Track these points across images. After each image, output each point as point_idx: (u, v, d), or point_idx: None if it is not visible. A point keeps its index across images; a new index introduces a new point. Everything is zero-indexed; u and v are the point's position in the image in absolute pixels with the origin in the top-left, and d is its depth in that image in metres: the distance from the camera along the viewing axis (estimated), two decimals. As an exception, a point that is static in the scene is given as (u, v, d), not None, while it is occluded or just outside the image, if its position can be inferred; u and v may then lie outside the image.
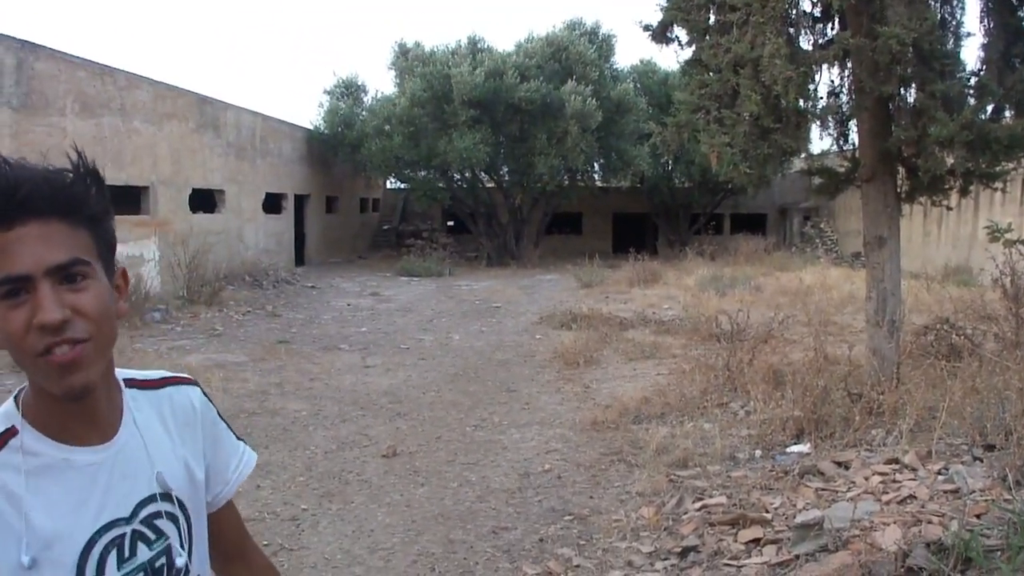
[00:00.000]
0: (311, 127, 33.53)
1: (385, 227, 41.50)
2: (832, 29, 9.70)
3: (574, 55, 31.20)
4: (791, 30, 9.13)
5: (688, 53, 10.02)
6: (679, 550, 5.99)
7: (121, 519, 1.63)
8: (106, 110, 18.61)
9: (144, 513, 1.67)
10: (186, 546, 1.74)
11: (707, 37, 9.51)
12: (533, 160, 30.63)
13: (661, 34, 10.03)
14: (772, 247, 30.63)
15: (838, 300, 17.99)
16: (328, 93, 35.19)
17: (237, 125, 25.92)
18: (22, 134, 15.85)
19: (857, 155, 9.93)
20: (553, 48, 31.51)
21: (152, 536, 1.67)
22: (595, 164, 34.74)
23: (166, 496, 1.71)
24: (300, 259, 31.49)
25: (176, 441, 1.80)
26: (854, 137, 10.06)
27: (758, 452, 8.16)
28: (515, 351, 14.71)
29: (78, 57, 17.81)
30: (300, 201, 31.91)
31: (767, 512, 6.33)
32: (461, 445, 9.21)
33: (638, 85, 34.67)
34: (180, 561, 1.71)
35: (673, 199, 36.77)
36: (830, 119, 9.87)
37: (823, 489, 6.68)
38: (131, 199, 20.17)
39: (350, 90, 35.25)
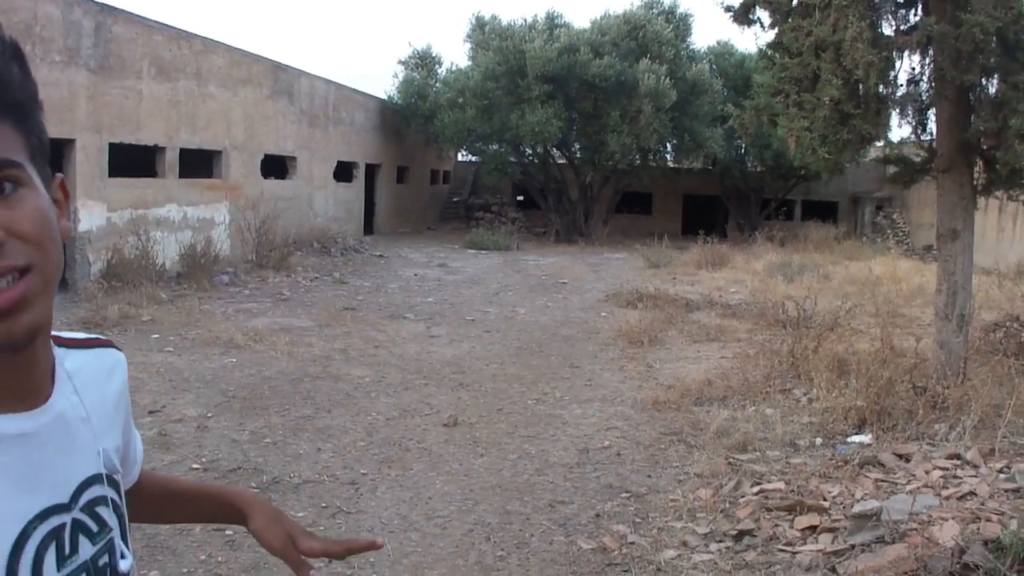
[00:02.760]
0: (384, 97, 33.63)
1: (455, 199, 41.57)
2: (915, 15, 9.57)
3: (650, 34, 30.96)
4: (873, 14, 9.02)
5: (769, 35, 9.96)
6: (734, 533, 6.00)
7: (60, 505, 1.26)
8: (181, 74, 18.82)
9: (85, 498, 1.32)
10: (129, 542, 1.42)
11: (789, 19, 9.44)
12: (605, 138, 30.48)
13: (743, 15, 9.95)
14: (842, 236, 30.30)
15: (907, 292, 17.79)
16: (403, 63, 35.34)
17: (311, 93, 26.10)
18: (98, 96, 16.08)
19: (934, 145, 9.81)
20: (629, 26, 31.29)
21: (95, 528, 1.32)
22: (667, 144, 34.57)
23: (110, 480, 1.38)
24: (369, 228, 31.66)
25: (112, 412, 1.47)
26: (932, 126, 9.93)
27: (819, 440, 8.13)
28: (580, 327, 14.72)
29: (155, 21, 18.03)
30: (371, 170, 32.07)
31: (824, 500, 6.32)
32: (522, 418, 9.26)
33: (714, 67, 34.37)
34: (125, 565, 1.39)
35: (745, 183, 36.44)
36: (909, 107, 9.75)
37: (882, 480, 6.66)
38: (204, 162, 20.41)
39: (425, 61, 35.31)
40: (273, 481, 7.13)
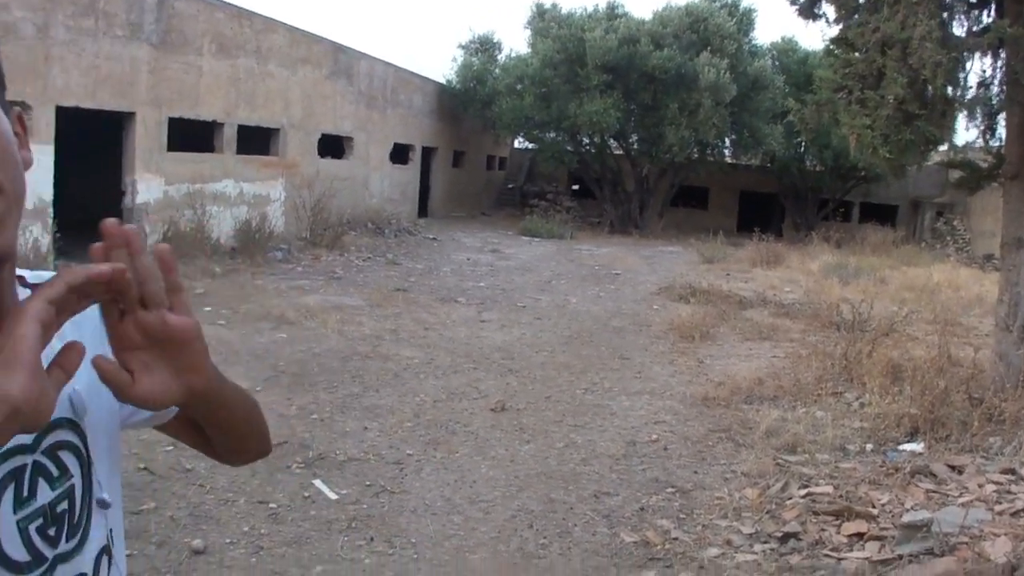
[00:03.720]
0: (443, 81, 33.63)
1: (510, 186, 41.53)
2: (988, 16, 9.40)
3: (712, 27, 30.66)
4: (944, 13, 8.87)
5: (835, 31, 9.82)
6: (780, 535, 5.93)
7: (22, 446, 1.21)
8: (242, 52, 18.91)
9: (48, 442, 1.25)
10: (88, 494, 1.32)
11: (856, 15, 9.30)
12: (663, 130, 30.30)
13: (808, 9, 9.83)
14: (901, 240, 29.93)
15: (966, 301, 17.54)
16: (462, 48, 35.29)
17: (370, 74, 26.15)
18: (159, 70, 16.20)
19: (1003, 151, 9.63)
20: (691, 18, 30.99)
21: (55, 472, 1.26)
22: (726, 139, 34.26)
23: (73, 424, 1.28)
24: (423, 211, 31.70)
25: (89, 352, 1.22)
26: (1002, 131, 9.75)
27: (869, 446, 8.02)
28: (631, 319, 14.65)
29: (217, -2, 18.15)
30: (427, 153, 32.10)
31: (873, 507, 6.23)
32: (570, 407, 9.22)
33: (776, 63, 34.05)
34: (103, 495, 1.32)
35: (803, 181, 36.10)
36: (978, 110, 9.58)
37: (934, 491, 6.56)
38: (261, 140, 20.50)
39: (484, 46, 35.29)
40: (319, 457, 7.15)
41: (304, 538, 5.68)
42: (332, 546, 5.61)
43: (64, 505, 1.26)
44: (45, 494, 1.23)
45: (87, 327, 1.29)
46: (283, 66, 20.75)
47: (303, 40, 21.82)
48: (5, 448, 1.09)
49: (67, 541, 1.27)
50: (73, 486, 1.28)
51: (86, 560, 1.30)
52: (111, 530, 1.37)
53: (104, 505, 1.33)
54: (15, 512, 1.18)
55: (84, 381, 1.27)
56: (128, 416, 1.43)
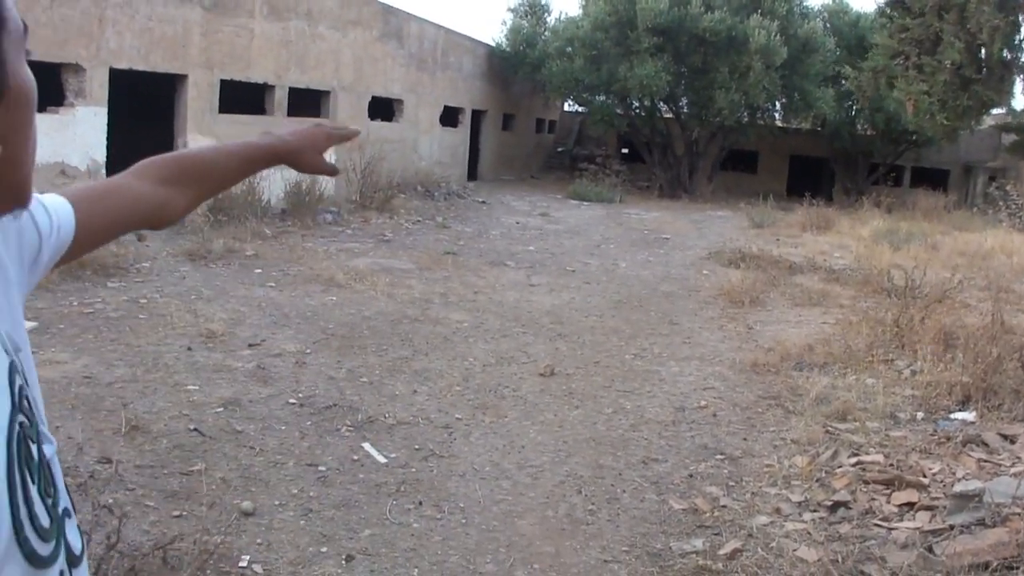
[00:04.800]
0: (493, 44, 33.53)
1: (559, 149, 41.42)
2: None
3: (762, -12, 30.41)
4: (1000, -24, 8.74)
5: (889, -6, 9.69)
6: (829, 503, 5.91)
7: (12, 410, 1.10)
8: (293, 14, 18.93)
9: (16, 393, 1.13)
10: (45, 425, 1.24)
11: (912, -22, 9.18)
12: (713, 94, 30.06)
13: (863, -28, 9.70)
14: (952, 205, 29.55)
15: (1019, 267, 17.31)
16: (512, 11, 35.22)
17: (420, 36, 26.10)
18: (211, 33, 16.26)
19: (1059, 115, 9.48)
20: (741, -21, 30.76)
21: (28, 423, 1.15)
22: (776, 103, 33.98)
23: (13, 365, 1.15)
24: (473, 174, 31.66)
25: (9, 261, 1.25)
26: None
27: (920, 414, 7.95)
28: (680, 284, 14.60)
29: (270, -40, 18.16)
30: (477, 116, 32.05)
31: (924, 477, 6.19)
32: (619, 372, 9.21)
33: (827, 25, 33.64)
34: (49, 449, 1.21)
35: (854, 146, 35.73)
36: (1035, 74, 9.44)
37: (985, 461, 6.50)
38: (312, 102, 20.55)
39: (534, 9, 35.18)
40: (368, 420, 7.19)
41: (353, 501, 5.73)
42: (380, 510, 5.65)
43: (38, 449, 1.17)
44: (34, 451, 1.15)
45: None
46: (334, 28, 20.77)
47: (354, 2, 21.80)
48: (7, 422, 1.07)
49: (53, 486, 1.20)
50: (37, 428, 1.19)
51: (60, 491, 1.23)
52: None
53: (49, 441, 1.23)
54: (34, 484, 1.12)
55: (14, 319, 1.23)
56: (46, 260, 1.38)
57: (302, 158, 1.93)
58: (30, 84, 1.05)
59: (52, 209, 1.41)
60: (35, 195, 1.35)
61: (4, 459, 1.04)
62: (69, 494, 1.27)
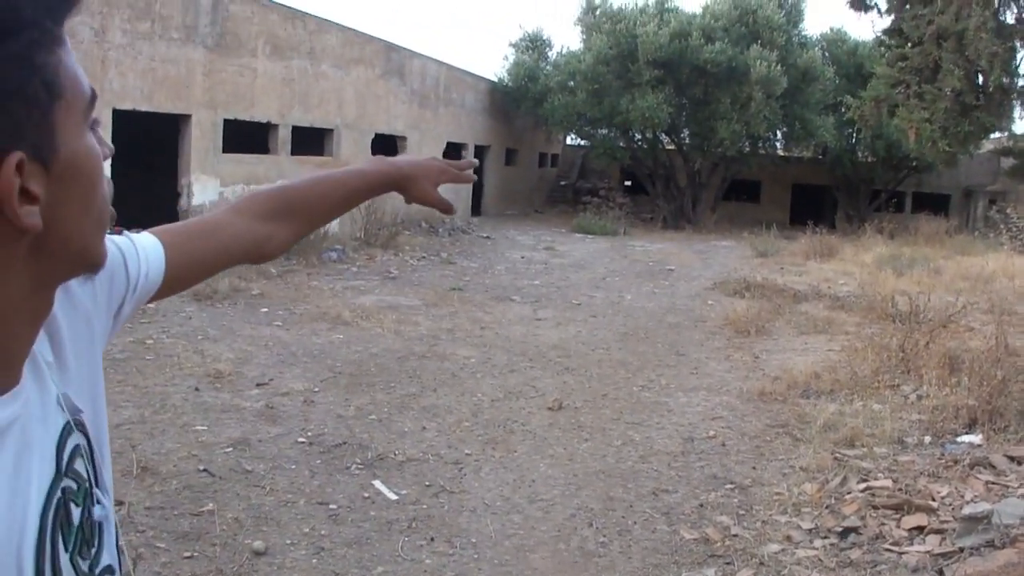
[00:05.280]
0: (495, 79, 33.71)
1: (562, 183, 41.54)
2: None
3: (761, 19, 30.54)
4: (997, 3, 8.81)
5: (886, 22, 9.79)
6: (840, 530, 5.91)
7: (55, 478, 1.09)
8: (296, 53, 19.09)
9: (66, 457, 1.13)
10: (104, 485, 1.23)
11: (908, 6, 9.25)
12: (715, 124, 30.24)
13: (859, 1, 9.79)
14: (954, 230, 29.60)
15: (1021, 290, 17.33)
16: (513, 46, 35.47)
17: (422, 73, 26.27)
18: (214, 72, 16.39)
19: (1058, 138, 9.55)
20: (740, 11, 30.89)
21: (75, 486, 1.13)
22: (777, 132, 34.16)
23: (78, 424, 1.17)
24: (476, 209, 31.76)
25: (64, 325, 1.21)
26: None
27: (927, 438, 7.96)
28: (686, 315, 14.62)
29: (270, 0, 18.29)
30: (480, 152, 32.14)
31: (933, 500, 6.19)
32: (627, 404, 9.23)
33: (826, 54, 33.84)
34: (99, 511, 1.19)
35: (855, 173, 35.86)
36: (1034, 98, 9.51)
37: (993, 483, 6.51)
38: (315, 140, 20.67)
39: (535, 44, 35.39)
40: (378, 457, 7.21)
41: (364, 539, 5.74)
42: (393, 547, 5.67)
43: (85, 514, 1.16)
44: (75, 515, 1.14)
45: (77, 293, 1.25)
46: (336, 66, 20.92)
47: (356, 40, 21.98)
48: (47, 488, 1.06)
49: (93, 547, 1.19)
50: (87, 491, 1.17)
51: (108, 547, 1.23)
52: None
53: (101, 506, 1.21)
54: (65, 550, 1.10)
55: (78, 382, 1.22)
56: (137, 300, 1.39)
57: (417, 186, 1.94)
58: (88, 155, 1.02)
59: (143, 252, 1.41)
60: (129, 236, 1.40)
61: (36, 527, 1.03)
62: (119, 552, 1.27)
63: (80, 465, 1.16)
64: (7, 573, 0.99)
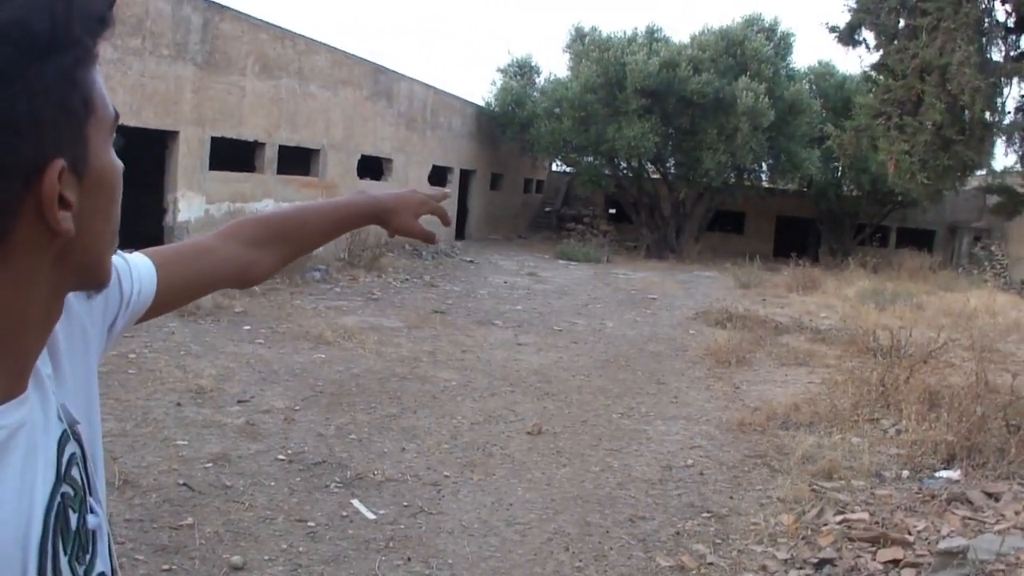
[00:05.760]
0: (482, 104, 33.82)
1: (547, 209, 41.65)
2: (1025, 40, 9.44)
3: (749, 51, 30.73)
4: (982, 39, 8.89)
5: (874, 57, 9.86)
6: (815, 561, 5.94)
7: (55, 483, 1.12)
8: (284, 72, 19.13)
9: (64, 464, 1.16)
10: (98, 495, 1.26)
11: (895, 41, 9.33)
12: (701, 155, 30.35)
13: (848, 35, 9.88)
14: (938, 266, 29.76)
15: (1003, 327, 17.43)
16: (501, 71, 35.57)
17: (409, 96, 26.33)
18: (203, 90, 16.41)
19: (1041, 176, 9.63)
20: (728, 42, 31.07)
21: (72, 493, 1.16)
22: (763, 164, 34.31)
23: (75, 434, 1.20)
24: (461, 233, 31.83)
25: (62, 338, 1.23)
26: (1040, 157, 9.75)
27: (905, 473, 8.01)
28: (668, 344, 14.67)
29: (260, 19, 18.36)
30: (465, 176, 32.26)
31: (909, 534, 6.23)
32: (606, 431, 9.25)
33: (814, 87, 34.05)
34: (93, 521, 1.21)
35: (840, 207, 36.03)
36: (1016, 136, 9.59)
37: (970, 518, 6.55)
38: (302, 160, 20.69)
39: (523, 70, 35.52)
40: (357, 477, 7.21)
41: (342, 557, 5.75)
42: (369, 566, 5.67)
43: (81, 520, 1.19)
44: (72, 520, 1.16)
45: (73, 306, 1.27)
46: (324, 87, 20.96)
47: (344, 61, 22.03)
48: (50, 493, 1.09)
49: (88, 553, 1.21)
50: (83, 499, 1.20)
51: (101, 555, 1.25)
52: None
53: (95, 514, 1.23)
54: (64, 553, 1.12)
55: (75, 392, 1.26)
56: (126, 320, 1.43)
57: (398, 218, 1.97)
58: (112, 170, 1.08)
59: (135, 270, 1.46)
60: (121, 254, 1.44)
61: (39, 530, 1.06)
62: (112, 559, 1.28)
63: (76, 473, 1.19)
64: (14, 566, 1.02)
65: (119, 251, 1.41)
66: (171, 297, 1.55)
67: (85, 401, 1.29)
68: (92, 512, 1.22)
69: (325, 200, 1.94)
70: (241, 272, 1.70)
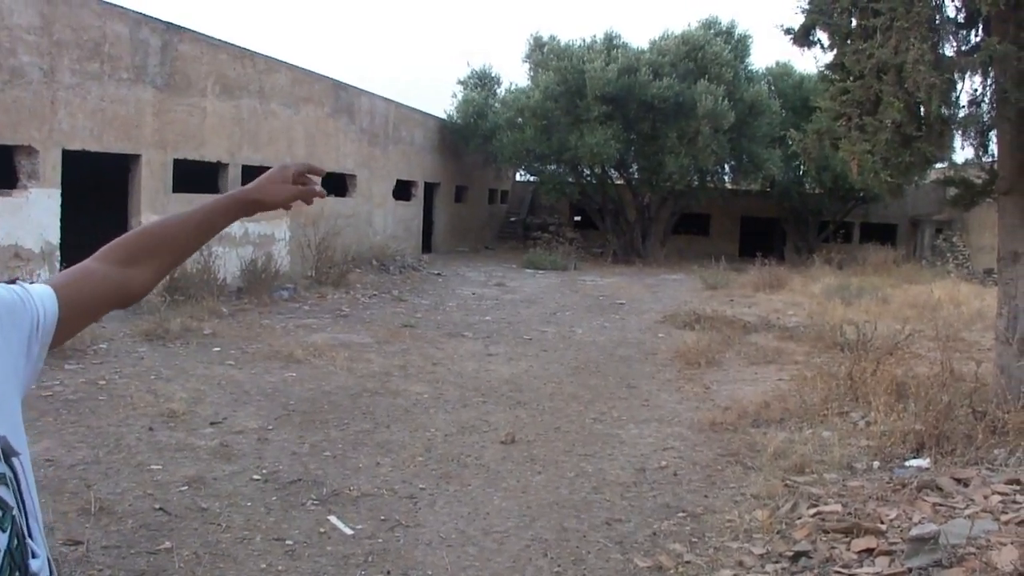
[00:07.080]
0: (444, 116, 33.85)
1: (512, 219, 41.73)
2: (977, 35, 9.54)
3: (709, 55, 30.89)
4: (935, 36, 8.98)
5: (829, 57, 9.95)
6: (791, 554, 6.00)
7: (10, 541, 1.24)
8: (245, 92, 19.10)
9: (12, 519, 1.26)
10: (37, 536, 1.38)
11: (849, 41, 9.42)
12: (663, 159, 30.50)
13: (803, 37, 9.96)
14: (901, 259, 30.05)
15: (967, 316, 17.63)
16: (462, 83, 35.61)
17: (371, 111, 26.35)
18: (164, 112, 16.37)
19: (996, 167, 9.75)
20: (688, 47, 31.22)
21: (18, 541, 1.28)
22: (725, 166, 34.51)
23: (4, 455, 1.33)
24: (427, 246, 31.86)
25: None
26: (994, 148, 9.87)
27: (876, 463, 8.10)
28: (637, 348, 14.74)
29: (220, 40, 18.33)
30: (430, 189, 32.28)
31: (882, 523, 6.30)
32: (579, 437, 9.30)
33: (772, 87, 34.25)
34: (35, 564, 1.34)
35: (803, 205, 36.28)
36: (971, 129, 9.70)
37: (940, 504, 6.62)
38: (266, 179, 20.64)
39: (484, 81, 35.60)
40: (333, 493, 7.23)
41: (322, 573, 5.76)
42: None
43: (15, 541, 1.28)
44: (1, 540, 1.23)
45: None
46: (286, 105, 20.94)
47: (305, 79, 22.02)
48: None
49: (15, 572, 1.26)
50: (14, 519, 1.29)
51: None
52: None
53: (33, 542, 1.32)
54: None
55: (8, 419, 1.34)
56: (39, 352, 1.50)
57: (269, 191, 1.98)
58: None
59: (37, 298, 1.52)
60: (22, 284, 1.49)
61: None
62: None
63: (7, 494, 1.27)
64: None
65: (19, 282, 1.52)
66: (72, 320, 1.61)
67: (13, 431, 1.35)
68: (34, 556, 1.31)
69: (192, 208, 1.97)
70: (118, 290, 1.75)
